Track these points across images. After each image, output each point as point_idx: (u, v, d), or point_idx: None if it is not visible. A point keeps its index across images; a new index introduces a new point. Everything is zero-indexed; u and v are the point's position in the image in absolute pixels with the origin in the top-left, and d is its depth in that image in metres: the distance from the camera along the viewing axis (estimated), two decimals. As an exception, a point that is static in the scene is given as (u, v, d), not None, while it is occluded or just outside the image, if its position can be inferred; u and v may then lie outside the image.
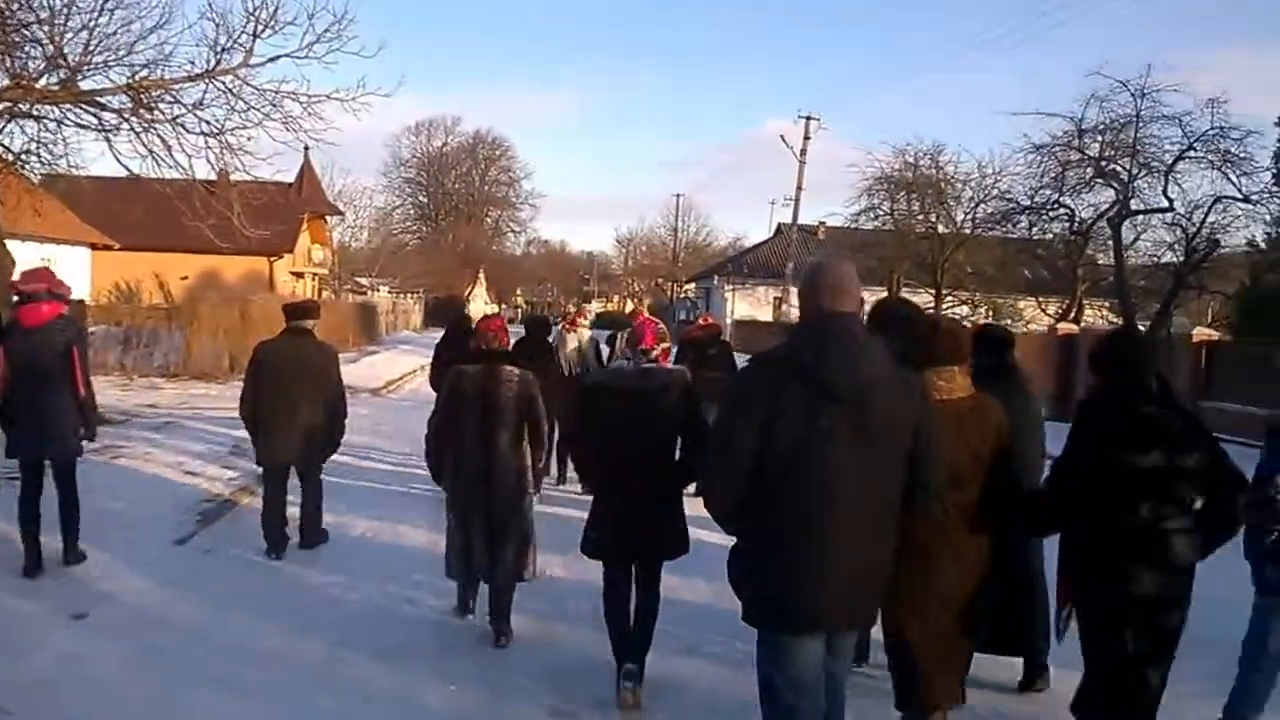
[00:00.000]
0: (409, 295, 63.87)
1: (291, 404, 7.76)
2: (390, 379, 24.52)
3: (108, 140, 13.17)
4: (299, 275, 46.36)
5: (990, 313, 38.13)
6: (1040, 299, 36.69)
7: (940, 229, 37.95)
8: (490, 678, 5.59)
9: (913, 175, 38.62)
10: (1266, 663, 4.66)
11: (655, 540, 5.25)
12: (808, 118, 43.22)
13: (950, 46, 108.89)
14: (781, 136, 44.15)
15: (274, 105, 13.32)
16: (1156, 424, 4.12)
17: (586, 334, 11.85)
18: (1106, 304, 35.41)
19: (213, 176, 15.09)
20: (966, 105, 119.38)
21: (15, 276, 8.30)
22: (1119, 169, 27.91)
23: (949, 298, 37.80)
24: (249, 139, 13.40)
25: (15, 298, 7.04)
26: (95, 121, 12.92)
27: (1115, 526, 4.09)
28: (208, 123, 13.27)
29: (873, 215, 39.91)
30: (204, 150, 13.43)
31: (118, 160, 13.46)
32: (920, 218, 39.20)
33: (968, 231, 36.97)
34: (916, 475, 3.65)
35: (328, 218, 52.65)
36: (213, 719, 5.05)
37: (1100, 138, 28.51)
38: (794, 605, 3.58)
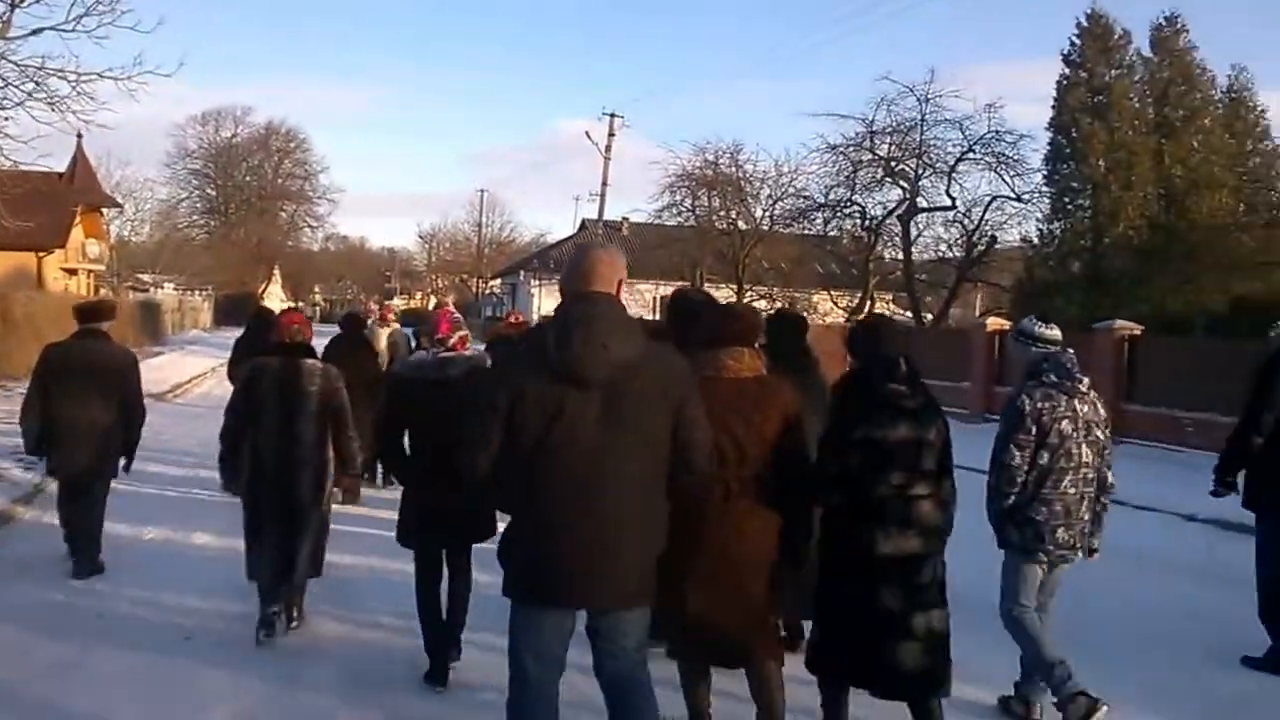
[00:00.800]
0: (197, 293, 60.88)
1: (86, 412, 7.22)
2: (177, 382, 22.93)
3: None
4: (72, 272, 43.20)
5: (787, 305, 38.97)
6: (833, 293, 37.75)
7: (740, 225, 38.54)
8: (290, 683, 5.42)
9: (713, 173, 39.09)
10: (1028, 615, 5.08)
11: (463, 525, 5.39)
12: (611, 115, 43.24)
13: (752, 49, 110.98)
14: (586, 133, 44.14)
15: (37, 84, 12.28)
16: (902, 401, 4.49)
17: (395, 328, 11.94)
18: (891, 296, 36.74)
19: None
20: (768, 108, 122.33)
21: None
22: (907, 169, 29.04)
23: (749, 292, 38.42)
24: (6, 119, 12.31)
25: None
26: None
27: (869, 494, 4.42)
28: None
29: (676, 211, 40.22)
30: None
31: None
32: (721, 214, 39.71)
33: (766, 228, 37.70)
34: (681, 454, 3.68)
35: (105, 210, 49.43)
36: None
37: (889, 139, 29.71)
38: (544, 581, 3.61)
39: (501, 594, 3.72)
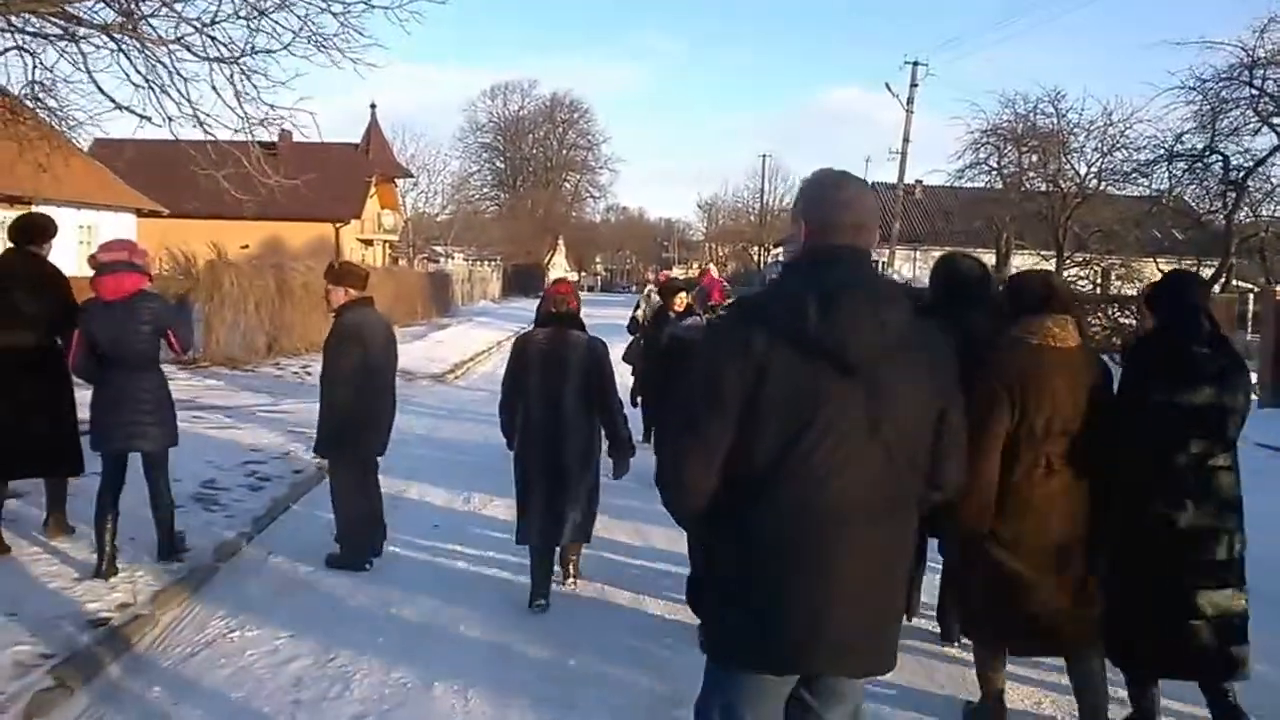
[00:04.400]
0: (487, 263, 61.71)
1: (389, 388, 6.93)
2: (460, 360, 21.07)
3: (86, 68, 10.39)
4: (368, 242, 43.89)
5: (1102, 276, 34.14)
6: (1163, 260, 32.37)
7: (1062, 184, 33.78)
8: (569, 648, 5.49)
9: (1021, 128, 34.49)
10: None
11: None
12: (914, 63, 39.17)
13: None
14: (887, 85, 40.50)
15: (304, 21, 10.45)
16: (1208, 363, 4.23)
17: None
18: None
19: (224, 111, 12.43)
20: (1092, 47, 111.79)
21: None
22: None
23: (1069, 260, 33.68)
24: (274, 57, 10.56)
25: (93, 270, 6.27)
26: (66, 37, 10.03)
27: (1167, 463, 4.19)
28: (220, 43, 10.38)
29: (982, 170, 35.92)
30: (210, 76, 10.57)
31: (101, 92, 10.78)
32: (1039, 171, 35.01)
33: (1093, 186, 32.83)
34: (934, 469, 2.82)
35: (399, 182, 50.14)
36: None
37: (1265, 71, 24.21)
38: (774, 641, 2.69)
39: (701, 651, 2.92)
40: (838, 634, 2.70)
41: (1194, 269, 31.18)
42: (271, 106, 10.48)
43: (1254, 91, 24.24)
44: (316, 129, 11.00)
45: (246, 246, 32.53)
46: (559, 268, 71.57)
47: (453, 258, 57.38)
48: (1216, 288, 23.69)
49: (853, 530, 2.66)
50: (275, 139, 12.36)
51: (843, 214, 2.72)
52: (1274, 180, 26.55)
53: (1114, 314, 24.53)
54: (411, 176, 52.30)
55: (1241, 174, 26.16)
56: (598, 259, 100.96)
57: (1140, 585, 4.23)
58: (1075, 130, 33.78)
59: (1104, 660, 4.33)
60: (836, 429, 2.62)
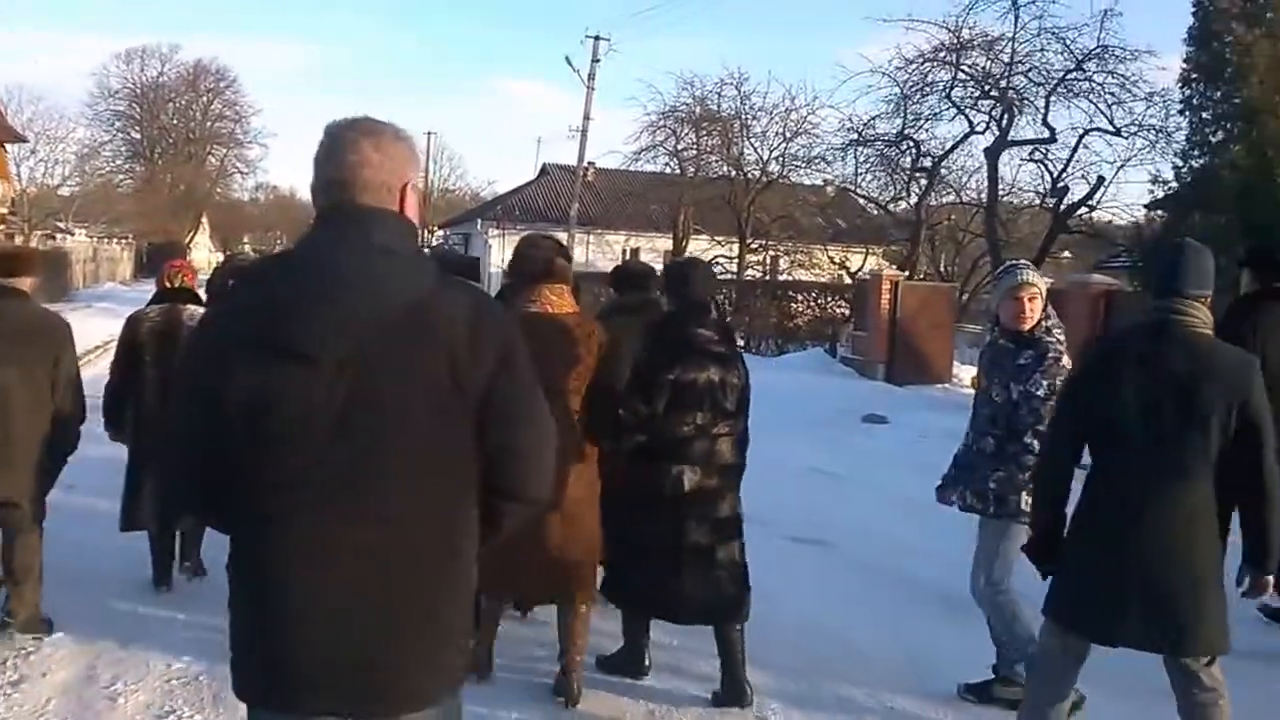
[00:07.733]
0: (118, 242, 55.16)
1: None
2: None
3: None
4: (-33, 215, 37.12)
5: (771, 263, 34.23)
6: (834, 247, 33.09)
7: (745, 170, 33.28)
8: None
9: (700, 110, 34.09)
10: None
11: None
12: (596, 38, 37.34)
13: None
14: (567, 59, 38.18)
15: None
16: (711, 345, 4.65)
17: None
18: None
19: None
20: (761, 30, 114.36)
21: None
22: (1012, 89, 23.43)
23: (751, 246, 33.40)
24: None
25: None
26: None
27: (674, 433, 4.58)
28: None
29: (659, 153, 35.34)
30: None
31: None
32: (721, 155, 34.39)
33: (775, 171, 32.55)
34: (497, 467, 2.24)
35: (11, 149, 43.17)
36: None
37: (956, 54, 24.21)
38: (261, 670, 2.20)
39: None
40: (323, 663, 2.14)
41: (864, 256, 31.82)
42: None
43: (953, 73, 24.07)
44: None
45: None
46: (202, 247, 65.68)
47: (73, 234, 50.79)
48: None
49: (331, 540, 2.11)
50: None
51: (335, 169, 2.17)
52: (960, 168, 26.79)
53: (825, 302, 24.13)
54: (26, 141, 45.37)
55: (933, 160, 26.20)
56: (245, 239, 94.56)
57: (651, 540, 4.58)
58: (758, 114, 33.36)
59: (590, 609, 4.69)
60: (295, 428, 2.10)
